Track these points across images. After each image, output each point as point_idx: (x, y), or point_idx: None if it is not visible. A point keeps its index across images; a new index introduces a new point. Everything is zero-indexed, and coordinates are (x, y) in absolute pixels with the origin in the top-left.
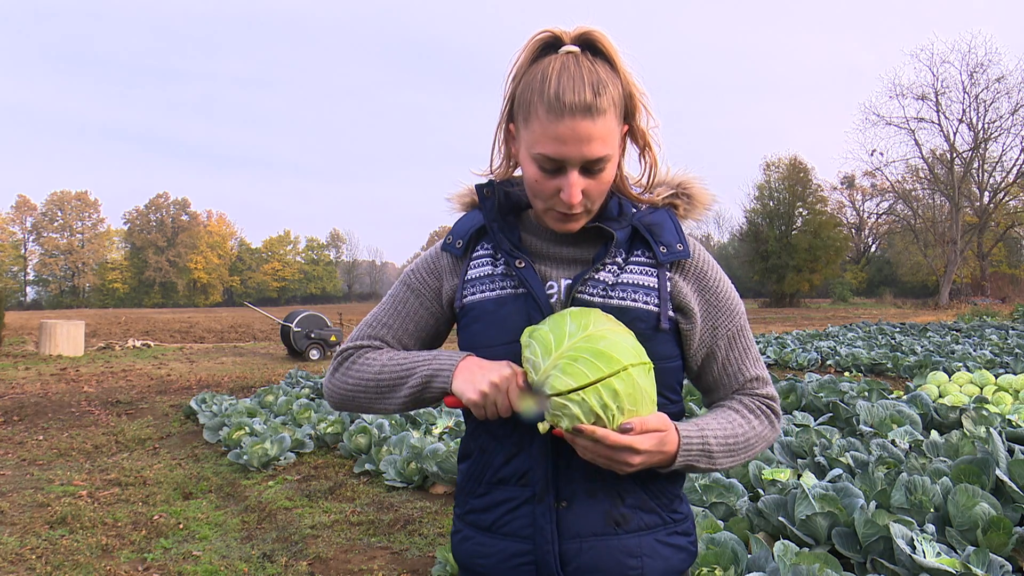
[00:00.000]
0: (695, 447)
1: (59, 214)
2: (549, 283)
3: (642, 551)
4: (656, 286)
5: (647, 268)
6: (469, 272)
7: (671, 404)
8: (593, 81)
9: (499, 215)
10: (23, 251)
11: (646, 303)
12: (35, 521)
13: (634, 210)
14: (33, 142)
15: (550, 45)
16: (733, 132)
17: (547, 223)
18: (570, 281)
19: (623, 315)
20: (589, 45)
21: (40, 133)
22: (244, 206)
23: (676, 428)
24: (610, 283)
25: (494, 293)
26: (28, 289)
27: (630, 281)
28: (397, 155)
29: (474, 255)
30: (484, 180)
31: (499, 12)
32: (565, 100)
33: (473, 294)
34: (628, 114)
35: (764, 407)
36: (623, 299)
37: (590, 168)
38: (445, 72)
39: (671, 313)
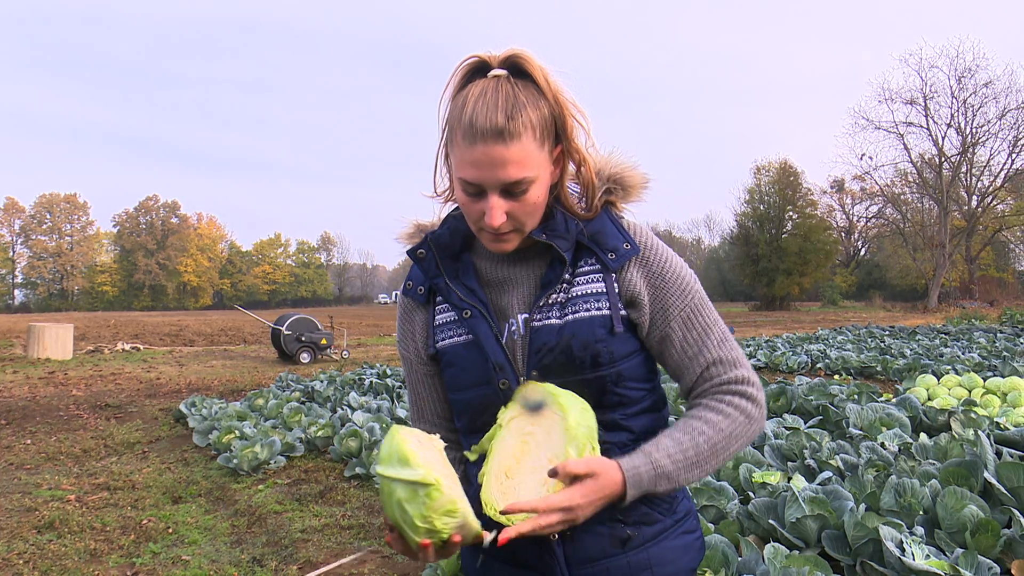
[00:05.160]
0: (645, 476)
1: (48, 216)
2: (510, 321)
3: (651, 562)
4: (605, 290)
5: (595, 275)
6: (437, 318)
7: (648, 394)
8: (507, 106)
9: (441, 269)
10: (11, 254)
11: (599, 309)
12: (23, 526)
13: (577, 224)
14: (22, 144)
15: (478, 70)
16: (724, 136)
17: (484, 243)
18: (527, 315)
19: (580, 327)
20: (515, 68)
21: (30, 135)
22: (234, 209)
23: (619, 464)
24: (562, 302)
25: (461, 338)
26: (16, 292)
27: (580, 293)
28: (389, 159)
29: (439, 300)
30: (433, 202)
31: (494, 18)
32: (477, 125)
33: (443, 340)
34: (560, 133)
35: (732, 396)
36: (576, 312)
37: (511, 191)
38: (438, 77)
39: (623, 312)
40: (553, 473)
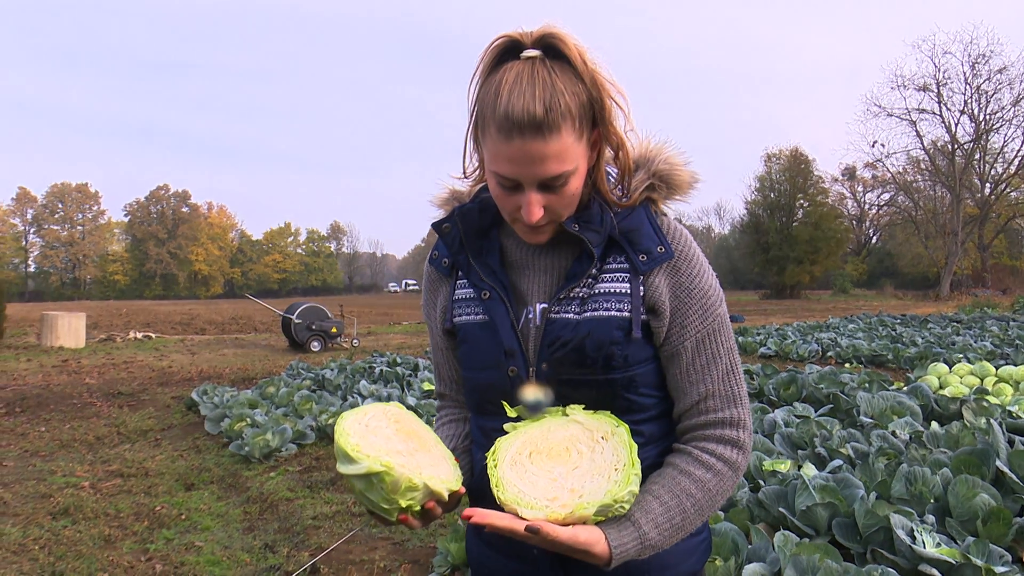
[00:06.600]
0: (632, 551)
1: (60, 206)
2: (528, 307)
3: (650, 566)
4: (629, 292)
5: (621, 275)
6: (457, 292)
7: (660, 401)
8: (545, 95)
9: (465, 246)
10: (24, 243)
11: (620, 310)
12: (38, 512)
13: (612, 217)
14: (34, 135)
15: (510, 50)
16: (735, 124)
17: (519, 233)
18: (545, 304)
19: (597, 326)
20: (550, 48)
21: (41, 126)
22: (245, 198)
23: (607, 539)
24: (584, 297)
25: (478, 317)
26: (29, 281)
27: (603, 291)
28: (399, 148)
29: (460, 275)
30: (462, 187)
31: (503, 5)
32: (514, 119)
33: (460, 315)
34: (597, 118)
35: (720, 446)
36: (596, 310)
37: (550, 185)
38: (448, 66)
39: (643, 316)
40: (534, 531)
